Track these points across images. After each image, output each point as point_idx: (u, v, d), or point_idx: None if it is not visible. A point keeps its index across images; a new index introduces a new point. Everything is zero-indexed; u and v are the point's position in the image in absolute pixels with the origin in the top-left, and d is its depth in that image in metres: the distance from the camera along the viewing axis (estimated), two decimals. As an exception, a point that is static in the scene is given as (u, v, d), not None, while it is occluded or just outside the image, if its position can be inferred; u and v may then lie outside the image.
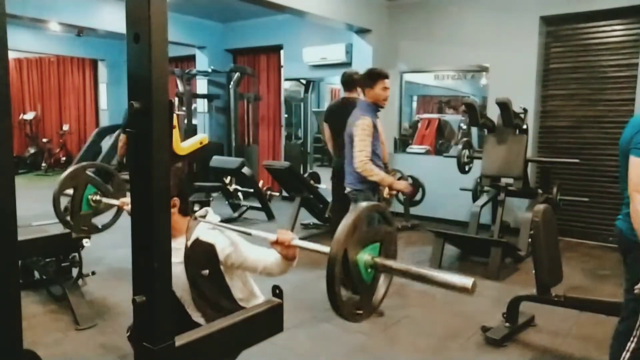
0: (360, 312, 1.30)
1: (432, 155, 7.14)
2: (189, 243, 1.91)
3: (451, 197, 6.14)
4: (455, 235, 4.82)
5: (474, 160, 5.43)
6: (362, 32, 6.50)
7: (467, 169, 5.45)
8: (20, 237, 1.31)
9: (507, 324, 3.17)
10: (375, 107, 3.44)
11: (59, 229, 3.65)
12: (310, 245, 1.50)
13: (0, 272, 1.19)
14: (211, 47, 8.68)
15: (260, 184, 6.74)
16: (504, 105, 4.74)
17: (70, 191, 2.58)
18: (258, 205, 6.51)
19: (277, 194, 7.51)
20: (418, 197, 6.38)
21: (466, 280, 1.12)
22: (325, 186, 6.07)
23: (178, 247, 1.90)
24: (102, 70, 11.16)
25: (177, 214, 1.94)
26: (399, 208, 6.39)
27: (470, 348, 3.06)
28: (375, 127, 3.36)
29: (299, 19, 6.50)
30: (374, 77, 3.40)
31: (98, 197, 2.52)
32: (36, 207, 6.21)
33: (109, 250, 4.76)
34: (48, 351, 2.84)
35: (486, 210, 5.27)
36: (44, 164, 10.87)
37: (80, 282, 3.52)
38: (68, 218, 2.69)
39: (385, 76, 3.40)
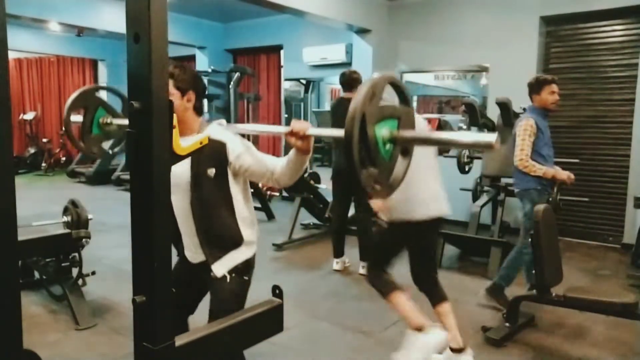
0: (379, 187, 1.24)
1: (432, 155, 7.14)
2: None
3: (451, 197, 6.11)
4: (455, 235, 4.82)
5: (474, 160, 5.43)
6: (362, 32, 6.50)
7: (467, 169, 5.44)
8: (20, 237, 1.31)
9: (507, 324, 3.17)
10: (544, 111, 3.58)
11: (59, 229, 3.66)
12: (327, 132, 1.45)
13: (0, 272, 1.19)
14: (211, 47, 8.69)
15: (260, 184, 6.75)
16: (504, 105, 4.74)
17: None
18: (258, 205, 6.51)
19: (277, 194, 7.52)
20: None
21: (489, 137, 1.11)
22: (325, 186, 6.06)
23: (187, 141, 1.82)
24: (102, 70, 11.17)
25: (191, 110, 1.87)
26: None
27: (470, 348, 3.06)
28: (540, 129, 3.48)
29: (299, 19, 6.50)
30: (540, 83, 3.62)
31: (109, 120, 2.47)
32: (36, 207, 6.23)
33: (109, 250, 4.77)
34: (48, 351, 2.84)
35: (486, 210, 5.27)
36: (44, 164, 10.87)
37: (80, 282, 3.52)
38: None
39: (551, 81, 3.59)
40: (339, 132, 1.20)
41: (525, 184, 3.55)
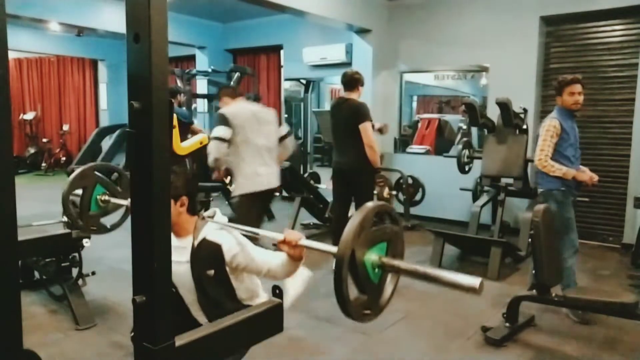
0: (369, 312, 1.29)
1: (432, 155, 7.14)
2: (196, 243, 1.91)
3: (451, 197, 6.14)
4: (455, 235, 4.82)
5: (474, 160, 5.43)
6: (362, 32, 6.50)
7: (467, 169, 5.44)
8: (20, 237, 1.31)
9: (507, 324, 3.17)
10: (568, 111, 3.55)
11: (59, 229, 3.66)
12: (318, 245, 1.49)
13: (0, 272, 1.19)
14: (211, 47, 8.68)
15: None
16: (504, 105, 4.74)
17: (78, 192, 2.58)
18: (258, 205, 6.52)
19: (277, 194, 7.51)
20: (418, 197, 6.38)
21: (474, 280, 1.12)
22: (325, 186, 6.07)
23: (185, 246, 1.90)
24: (102, 70, 11.16)
25: (185, 213, 1.93)
26: (399, 208, 6.39)
27: (470, 348, 3.06)
28: (564, 130, 3.46)
29: (299, 19, 6.50)
30: (560, 84, 3.59)
31: (107, 197, 2.52)
32: (36, 207, 6.23)
33: (109, 250, 4.76)
34: (48, 351, 2.85)
35: (486, 210, 5.27)
36: (44, 164, 10.87)
37: (80, 282, 3.52)
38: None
39: (570, 82, 3.54)
40: (332, 249, 1.28)
41: (548, 185, 3.53)
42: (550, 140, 3.45)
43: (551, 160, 3.45)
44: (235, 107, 3.78)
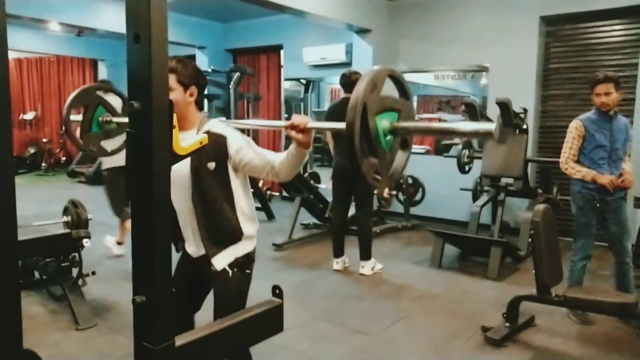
0: (379, 177, 1.25)
1: (432, 155, 7.14)
2: (200, 132, 1.84)
3: (451, 197, 6.14)
4: (455, 235, 4.82)
5: (474, 160, 5.43)
6: (362, 32, 6.50)
7: (467, 169, 5.45)
8: (20, 237, 1.31)
9: (507, 324, 3.17)
10: (598, 112, 3.42)
11: (59, 229, 3.66)
12: (328, 125, 1.46)
13: (0, 272, 1.19)
14: (211, 47, 8.68)
15: (260, 183, 6.75)
16: (504, 105, 4.74)
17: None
18: (258, 205, 6.52)
19: (277, 194, 7.52)
20: (418, 197, 6.38)
21: (489, 125, 1.10)
22: (325, 186, 6.07)
23: (187, 139, 1.82)
24: (102, 70, 11.16)
25: (192, 105, 1.88)
26: (399, 208, 6.39)
27: (470, 348, 3.06)
28: (588, 131, 3.37)
29: (299, 19, 6.50)
30: (590, 84, 3.46)
31: (108, 118, 2.47)
32: (36, 207, 6.23)
33: (109, 250, 4.77)
34: (48, 351, 2.85)
35: (486, 210, 5.27)
36: (44, 164, 10.87)
37: (80, 282, 3.52)
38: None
39: (597, 82, 3.36)
40: (340, 125, 1.21)
41: (571, 187, 3.50)
42: (572, 142, 3.40)
43: (573, 162, 3.39)
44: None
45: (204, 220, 1.88)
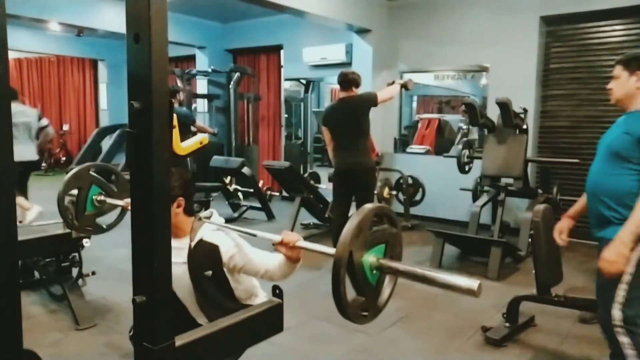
0: (366, 313, 1.29)
1: (432, 155, 7.14)
2: (193, 244, 1.91)
3: (451, 197, 6.14)
4: (455, 235, 4.82)
5: (474, 160, 5.43)
6: (362, 32, 6.51)
7: (467, 169, 5.44)
8: (20, 237, 1.31)
9: (507, 324, 3.17)
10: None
11: (59, 229, 3.66)
12: (316, 247, 1.49)
13: (0, 272, 1.19)
14: (211, 47, 8.68)
15: (260, 184, 6.75)
16: (504, 105, 4.74)
17: (74, 192, 2.57)
18: (258, 205, 6.52)
19: (277, 194, 7.51)
20: (418, 197, 6.38)
21: (472, 283, 1.12)
22: (325, 186, 6.07)
23: (182, 247, 1.90)
24: (102, 70, 11.17)
25: (181, 214, 1.93)
26: (399, 208, 6.39)
27: (470, 348, 3.06)
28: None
29: (299, 19, 6.50)
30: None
31: (102, 198, 2.52)
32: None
33: (109, 250, 4.76)
34: (48, 351, 2.84)
35: (486, 210, 5.27)
36: (44, 164, 10.86)
37: (80, 282, 3.51)
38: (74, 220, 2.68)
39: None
40: (329, 250, 1.28)
41: None
42: None
43: None
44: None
45: (212, 316, 1.92)
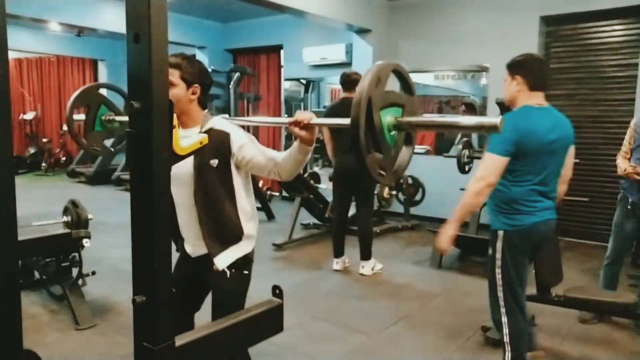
0: (383, 172, 1.25)
1: (432, 155, 7.14)
2: (203, 130, 1.83)
3: (451, 197, 6.10)
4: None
5: (474, 160, 5.43)
6: (362, 32, 6.50)
7: (467, 169, 5.44)
8: (20, 237, 1.31)
9: (507, 324, 3.16)
10: None
11: (59, 229, 3.66)
12: (331, 121, 1.46)
13: (0, 272, 1.19)
14: (211, 47, 8.69)
15: (260, 184, 6.75)
16: (504, 105, 4.74)
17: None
18: (258, 205, 6.52)
19: (277, 194, 7.52)
20: (418, 197, 6.38)
21: (493, 120, 1.11)
22: (325, 186, 6.07)
23: (189, 136, 1.74)
24: (102, 70, 11.17)
25: (195, 103, 1.88)
26: (399, 208, 6.39)
27: (470, 348, 3.06)
28: (635, 129, 3.25)
29: (299, 19, 6.50)
30: None
31: (111, 117, 2.47)
32: (36, 207, 6.23)
33: (109, 250, 4.77)
34: (48, 351, 2.85)
35: (486, 210, 5.27)
36: (44, 164, 10.87)
37: (80, 282, 3.52)
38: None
39: None
40: (345, 121, 1.21)
41: (621, 183, 3.36)
42: (626, 139, 3.30)
43: (622, 158, 3.26)
44: None
45: (206, 219, 1.88)
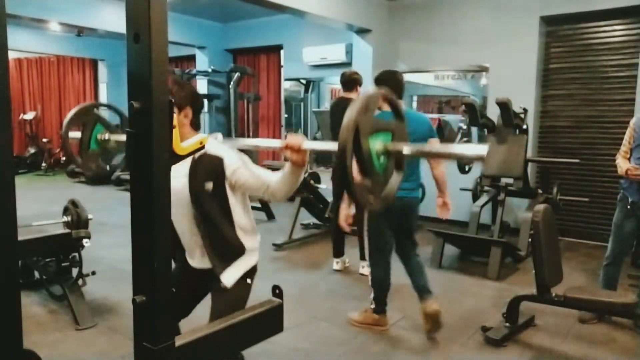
0: (372, 197, 1.26)
1: (432, 155, 7.14)
2: (197, 156, 1.82)
3: (451, 197, 6.10)
4: (455, 235, 4.82)
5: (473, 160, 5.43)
6: (362, 32, 6.50)
7: (467, 169, 5.44)
8: (20, 237, 1.31)
9: (507, 324, 3.17)
10: None
11: (59, 229, 3.66)
12: (322, 145, 1.47)
13: (0, 272, 1.19)
14: (211, 47, 8.69)
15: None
16: (504, 105, 4.74)
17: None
18: (258, 205, 6.51)
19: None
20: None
21: (480, 149, 1.11)
22: (325, 186, 6.06)
23: (184, 160, 1.77)
24: (102, 70, 11.17)
25: (187, 126, 1.89)
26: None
27: (470, 348, 3.06)
28: (635, 128, 3.23)
29: (299, 19, 6.50)
30: None
31: (107, 136, 2.48)
32: (36, 207, 6.23)
33: (109, 250, 4.77)
34: (48, 351, 2.85)
35: (486, 210, 5.27)
36: (44, 164, 10.86)
37: (80, 282, 3.52)
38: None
39: None
40: (334, 146, 1.22)
41: (621, 183, 3.34)
42: (626, 139, 3.29)
43: (621, 158, 3.25)
44: None
45: (209, 240, 1.93)
